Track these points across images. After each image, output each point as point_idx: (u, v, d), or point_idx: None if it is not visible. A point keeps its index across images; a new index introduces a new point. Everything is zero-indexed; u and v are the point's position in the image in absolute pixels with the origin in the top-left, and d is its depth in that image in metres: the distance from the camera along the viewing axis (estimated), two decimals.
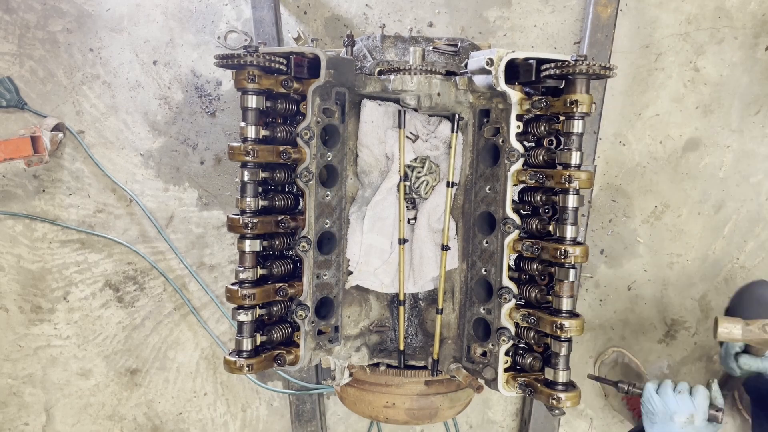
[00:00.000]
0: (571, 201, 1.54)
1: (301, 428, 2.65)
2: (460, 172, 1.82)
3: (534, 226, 1.64)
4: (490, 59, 1.57)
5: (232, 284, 1.61)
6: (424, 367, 1.89)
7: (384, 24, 2.24)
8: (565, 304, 1.56)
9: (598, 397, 2.77)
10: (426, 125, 1.87)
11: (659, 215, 2.70)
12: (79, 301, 2.72)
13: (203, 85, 2.65)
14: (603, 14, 2.48)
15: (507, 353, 1.67)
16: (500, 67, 1.57)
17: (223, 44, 2.57)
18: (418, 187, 1.85)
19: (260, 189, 1.65)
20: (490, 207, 1.72)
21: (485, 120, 1.74)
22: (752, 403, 2.27)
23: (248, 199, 1.60)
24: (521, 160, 1.63)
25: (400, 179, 1.80)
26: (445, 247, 1.80)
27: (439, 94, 1.71)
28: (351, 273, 1.85)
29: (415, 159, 1.86)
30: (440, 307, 1.83)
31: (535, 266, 1.65)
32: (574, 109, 1.51)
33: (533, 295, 1.64)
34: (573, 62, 1.48)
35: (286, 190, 1.74)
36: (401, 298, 1.86)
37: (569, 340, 1.56)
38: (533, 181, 1.60)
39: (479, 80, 1.67)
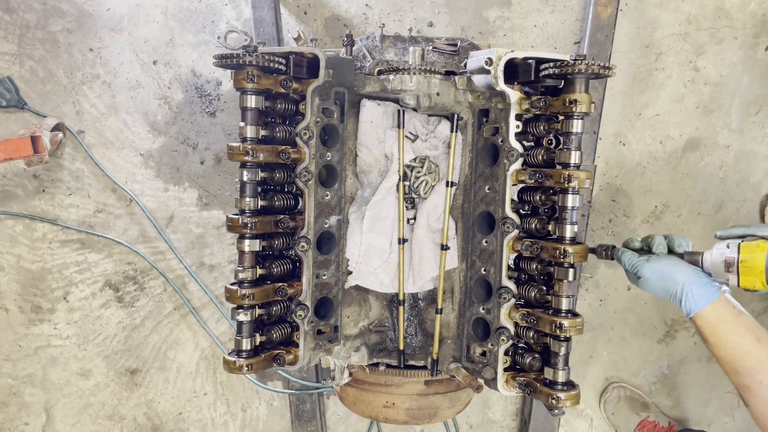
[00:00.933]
0: (571, 200, 1.54)
1: (301, 428, 2.65)
2: (460, 172, 1.82)
3: (533, 226, 1.64)
4: (489, 59, 1.57)
5: (232, 284, 1.61)
6: (424, 367, 1.89)
7: (383, 24, 2.24)
8: (565, 304, 1.56)
9: (599, 397, 2.77)
10: (425, 125, 1.87)
11: (659, 215, 2.70)
12: (79, 301, 2.73)
13: (203, 85, 2.65)
14: (603, 14, 2.48)
15: (506, 353, 1.67)
16: (499, 67, 1.57)
17: (223, 44, 2.57)
18: (417, 187, 1.85)
19: (259, 189, 1.65)
20: (489, 207, 1.72)
21: (484, 120, 1.74)
22: None
23: (247, 199, 1.60)
24: (520, 160, 1.63)
25: (400, 179, 1.80)
26: (444, 247, 1.80)
27: (438, 94, 1.71)
28: (350, 273, 1.85)
29: (415, 159, 1.86)
30: (440, 306, 1.83)
31: (534, 266, 1.65)
32: (574, 109, 1.51)
33: (533, 294, 1.64)
34: (572, 62, 1.48)
35: (286, 189, 1.74)
36: (401, 297, 1.86)
37: (569, 340, 1.56)
38: (532, 181, 1.60)
39: (478, 80, 1.67)
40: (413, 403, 1.87)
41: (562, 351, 1.56)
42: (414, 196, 1.88)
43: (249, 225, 1.58)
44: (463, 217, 1.83)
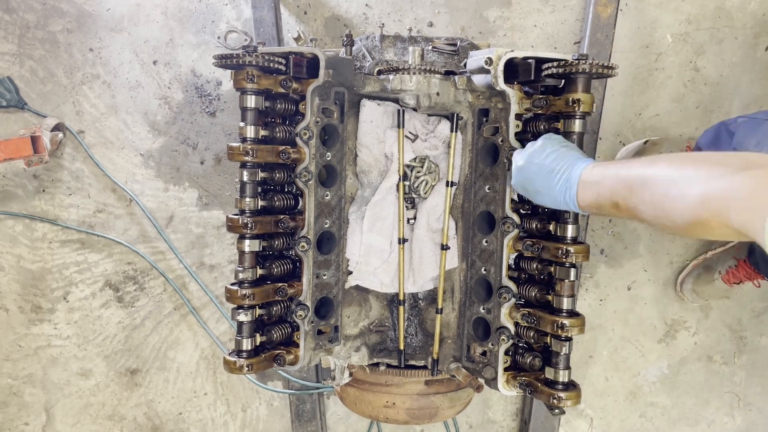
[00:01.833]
0: None
1: (301, 428, 2.65)
2: (460, 172, 1.82)
3: (533, 226, 1.64)
4: (489, 58, 1.57)
5: (232, 284, 1.62)
6: (424, 367, 1.89)
7: (383, 24, 2.23)
8: (566, 303, 1.56)
9: (599, 397, 2.77)
10: (425, 125, 1.87)
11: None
12: (79, 301, 2.72)
13: (203, 85, 2.65)
14: (603, 14, 2.48)
15: (507, 352, 1.67)
16: (499, 67, 1.57)
17: (223, 44, 2.57)
18: (417, 187, 1.85)
19: (259, 189, 1.65)
20: (489, 206, 1.72)
21: (484, 119, 1.74)
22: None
23: (247, 199, 1.60)
24: None
25: (400, 179, 1.80)
26: (444, 247, 1.80)
27: (438, 94, 1.71)
28: (351, 273, 1.85)
29: (415, 158, 1.86)
30: (440, 306, 1.83)
31: (534, 265, 1.65)
32: (576, 109, 1.51)
33: (533, 294, 1.64)
34: (575, 61, 1.48)
35: (286, 190, 1.74)
36: (401, 297, 1.86)
37: (570, 340, 1.56)
38: None
39: (478, 80, 1.67)
40: (413, 403, 1.87)
41: (564, 351, 1.56)
42: (414, 195, 1.88)
43: (249, 225, 1.58)
44: (463, 217, 1.83)
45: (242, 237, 1.61)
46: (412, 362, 1.90)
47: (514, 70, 1.61)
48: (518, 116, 1.63)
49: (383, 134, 1.83)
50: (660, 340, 2.75)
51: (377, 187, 1.83)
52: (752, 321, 2.75)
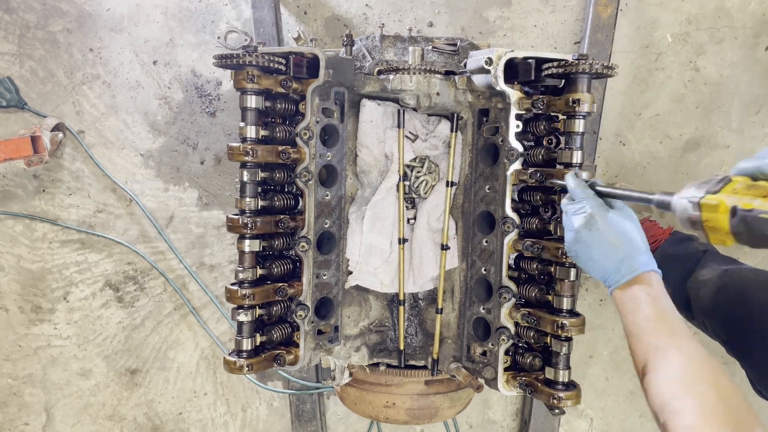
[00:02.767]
0: None
1: (301, 428, 2.65)
2: (460, 172, 1.83)
3: (534, 226, 1.64)
4: (489, 58, 1.57)
5: (232, 284, 1.62)
6: (424, 367, 1.89)
7: (383, 24, 2.23)
8: (566, 303, 1.56)
9: (599, 397, 2.76)
10: (425, 125, 1.87)
11: (659, 215, 2.69)
12: (79, 301, 2.72)
13: (203, 85, 2.65)
14: (603, 14, 2.48)
15: (507, 352, 1.67)
16: (499, 67, 1.57)
17: (223, 44, 2.57)
18: (417, 187, 1.85)
19: (260, 189, 1.65)
20: (489, 206, 1.72)
21: (484, 119, 1.74)
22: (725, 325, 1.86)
23: (248, 199, 1.60)
24: (520, 160, 1.63)
25: (400, 179, 1.81)
26: (444, 247, 1.80)
27: (438, 94, 1.71)
28: (351, 273, 1.85)
29: (415, 159, 1.86)
30: (440, 306, 1.83)
31: (534, 265, 1.65)
32: (576, 108, 1.51)
33: (533, 294, 1.64)
34: (575, 61, 1.48)
35: (286, 190, 1.74)
36: (401, 297, 1.86)
37: (570, 340, 1.56)
38: (533, 181, 1.60)
39: (478, 80, 1.67)
40: (414, 403, 1.87)
41: (564, 351, 1.56)
42: (414, 196, 1.88)
43: (249, 225, 1.58)
44: (463, 217, 1.83)
45: (242, 237, 1.61)
46: (412, 362, 1.90)
47: (514, 70, 1.61)
48: (518, 116, 1.63)
49: (383, 134, 1.83)
50: None
51: (377, 187, 1.83)
52: None
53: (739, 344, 1.76)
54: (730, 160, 2.68)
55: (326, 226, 1.75)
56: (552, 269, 1.59)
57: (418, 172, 1.85)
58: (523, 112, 1.63)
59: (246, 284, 1.61)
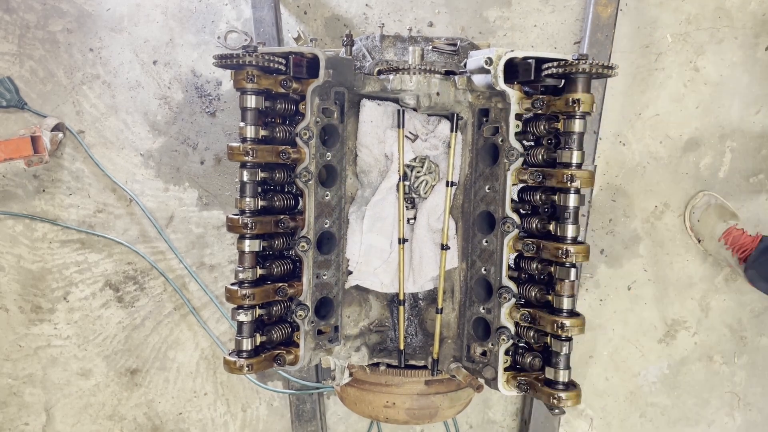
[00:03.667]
0: (572, 200, 1.54)
1: (301, 428, 2.65)
2: (460, 172, 1.82)
3: (534, 226, 1.64)
4: (489, 58, 1.57)
5: (232, 284, 1.61)
6: (424, 367, 1.89)
7: (383, 24, 2.24)
8: (566, 303, 1.56)
9: (599, 397, 2.77)
10: (425, 125, 1.87)
11: (659, 215, 2.70)
12: (79, 301, 2.72)
13: (203, 85, 2.65)
14: (603, 14, 2.48)
15: (507, 352, 1.67)
16: (499, 67, 1.57)
17: (223, 44, 2.57)
18: (417, 187, 1.85)
19: (260, 189, 1.65)
20: (489, 206, 1.72)
21: (484, 119, 1.74)
22: None
23: (247, 199, 1.60)
24: (520, 160, 1.63)
25: (400, 179, 1.80)
26: (444, 247, 1.80)
27: (438, 94, 1.71)
28: (351, 273, 1.85)
29: (415, 159, 1.86)
30: (440, 306, 1.83)
31: (534, 265, 1.65)
32: (576, 109, 1.51)
33: (533, 294, 1.64)
34: (575, 61, 1.48)
35: (286, 190, 1.74)
36: (401, 297, 1.86)
37: (570, 340, 1.56)
38: (533, 181, 1.60)
39: (478, 80, 1.67)
40: (414, 403, 1.87)
41: (564, 351, 1.56)
42: (414, 195, 1.88)
43: (249, 225, 1.58)
44: (463, 217, 1.83)
45: (242, 237, 1.61)
46: (412, 362, 1.89)
47: (514, 70, 1.61)
48: (518, 116, 1.63)
49: (383, 134, 1.83)
50: (660, 340, 2.75)
51: (377, 187, 1.83)
52: (752, 321, 2.75)
53: None
54: (730, 160, 2.68)
55: (326, 226, 1.75)
56: (552, 269, 1.59)
57: (418, 172, 1.85)
58: (523, 112, 1.63)
59: (246, 284, 1.61)
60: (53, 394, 2.77)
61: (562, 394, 1.53)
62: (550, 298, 1.60)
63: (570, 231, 1.56)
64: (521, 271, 1.71)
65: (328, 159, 1.73)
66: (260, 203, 1.62)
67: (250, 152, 1.55)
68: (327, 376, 1.95)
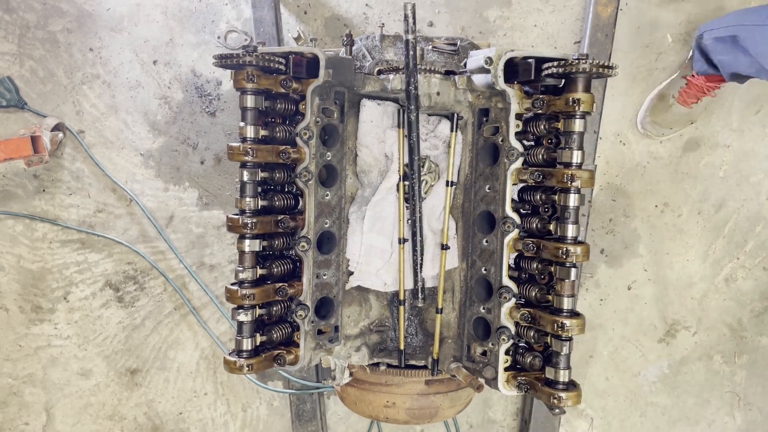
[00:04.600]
0: (573, 200, 1.54)
1: (301, 428, 2.65)
2: (460, 172, 1.82)
3: (534, 225, 1.64)
4: (489, 58, 1.57)
5: (232, 284, 1.61)
6: (425, 367, 1.88)
7: (383, 23, 2.23)
8: (566, 303, 1.56)
9: (599, 397, 2.77)
10: (425, 124, 1.87)
11: (659, 215, 2.70)
12: (80, 301, 2.72)
13: (203, 85, 2.65)
14: (603, 14, 2.48)
15: (507, 352, 1.67)
16: (499, 66, 1.57)
17: (223, 44, 2.57)
18: None
19: (260, 189, 1.65)
20: (489, 206, 1.72)
21: (485, 119, 1.74)
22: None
23: (248, 199, 1.60)
24: (521, 159, 1.63)
25: (400, 179, 1.80)
26: (444, 247, 1.80)
27: (438, 94, 1.71)
28: (351, 273, 1.85)
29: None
30: (440, 306, 1.83)
31: (535, 265, 1.65)
32: (576, 108, 1.50)
33: (533, 294, 1.64)
34: (575, 61, 1.48)
35: (286, 189, 1.74)
36: (401, 297, 1.86)
37: (570, 339, 1.56)
38: (533, 180, 1.60)
39: (478, 79, 1.67)
40: (414, 403, 1.87)
41: (564, 351, 1.56)
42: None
43: (249, 225, 1.58)
44: (463, 217, 1.83)
45: (242, 237, 1.61)
46: (413, 362, 1.89)
47: (514, 69, 1.61)
48: (518, 116, 1.63)
49: (383, 134, 1.83)
50: (660, 340, 2.75)
51: (377, 187, 1.83)
52: (752, 321, 2.75)
53: None
54: (731, 159, 2.68)
55: (326, 226, 1.75)
56: (552, 269, 1.59)
57: None
58: (523, 111, 1.63)
59: (246, 284, 1.61)
60: (53, 394, 2.77)
61: (563, 394, 1.53)
62: (550, 297, 1.60)
63: (570, 231, 1.56)
64: (521, 270, 1.71)
65: (328, 159, 1.73)
66: (260, 203, 1.62)
67: (250, 152, 1.55)
68: (327, 376, 1.95)
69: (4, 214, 2.68)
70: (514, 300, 1.66)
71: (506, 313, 1.66)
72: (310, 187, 1.67)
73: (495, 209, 1.70)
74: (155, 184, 2.69)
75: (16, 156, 2.46)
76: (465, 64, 1.75)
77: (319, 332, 1.76)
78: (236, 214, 1.61)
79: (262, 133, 1.60)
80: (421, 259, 1.83)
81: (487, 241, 1.73)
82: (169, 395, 2.77)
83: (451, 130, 1.79)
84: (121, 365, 2.76)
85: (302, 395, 2.62)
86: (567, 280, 1.55)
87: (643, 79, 2.63)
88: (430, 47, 1.87)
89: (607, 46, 2.48)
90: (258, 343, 1.64)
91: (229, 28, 2.60)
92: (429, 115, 1.87)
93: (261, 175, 1.61)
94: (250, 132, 1.58)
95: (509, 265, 1.69)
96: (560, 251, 1.53)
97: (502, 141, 1.66)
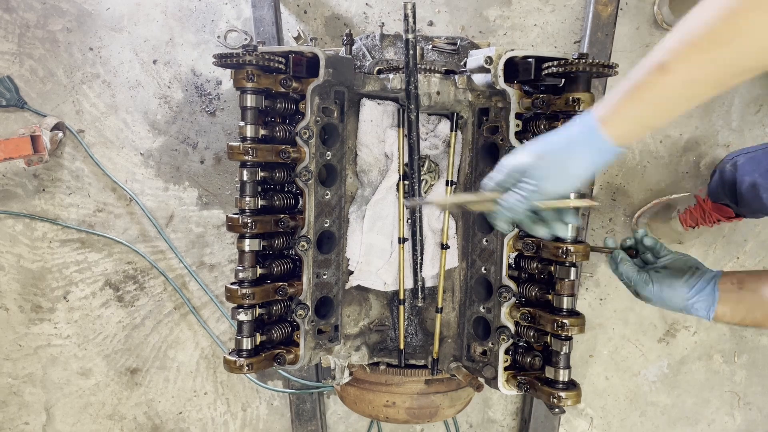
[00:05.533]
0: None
1: (301, 427, 2.65)
2: (460, 171, 1.83)
3: None
4: (489, 57, 1.57)
5: (232, 284, 1.61)
6: (425, 366, 1.89)
7: (383, 23, 2.23)
8: (566, 303, 1.56)
9: (599, 397, 2.77)
10: (425, 124, 1.87)
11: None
12: (79, 301, 2.72)
13: (203, 84, 2.65)
14: (603, 13, 2.48)
15: (507, 352, 1.67)
16: (499, 66, 1.57)
17: (223, 43, 2.57)
18: None
19: (260, 188, 1.65)
20: None
21: (484, 118, 1.74)
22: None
23: (247, 199, 1.60)
24: None
25: (400, 178, 1.80)
26: (444, 246, 1.80)
27: (438, 93, 1.71)
28: (351, 272, 1.85)
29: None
30: (440, 305, 1.83)
31: (534, 265, 1.65)
32: (576, 108, 1.51)
33: (533, 293, 1.64)
34: (575, 60, 1.48)
35: (286, 189, 1.74)
36: (401, 297, 1.86)
37: (570, 339, 1.56)
38: None
39: (478, 79, 1.67)
40: (414, 402, 1.87)
41: (564, 350, 1.56)
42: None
43: (249, 224, 1.58)
44: (463, 216, 1.83)
45: (242, 236, 1.61)
46: (413, 361, 1.89)
47: (514, 69, 1.61)
48: (518, 115, 1.63)
49: (383, 133, 1.83)
50: (660, 340, 2.75)
51: (377, 187, 1.83)
52: None
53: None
54: None
55: (326, 225, 1.75)
56: (552, 268, 1.59)
57: None
58: (523, 111, 1.63)
59: (246, 283, 1.61)
60: (53, 393, 2.77)
61: (562, 394, 1.53)
62: (550, 297, 1.60)
63: (570, 230, 1.56)
64: (521, 270, 1.71)
65: (328, 158, 1.73)
66: (260, 202, 1.62)
67: (250, 151, 1.55)
68: (327, 376, 1.95)
69: (4, 214, 2.68)
70: (513, 299, 1.66)
71: (506, 313, 1.66)
72: (310, 186, 1.67)
73: None
74: (155, 183, 2.69)
75: (15, 155, 2.46)
76: (465, 64, 1.75)
77: (319, 332, 1.76)
78: (236, 214, 1.61)
79: (262, 132, 1.60)
80: (421, 259, 1.83)
81: (486, 241, 1.73)
82: (169, 395, 2.77)
83: (451, 130, 1.79)
84: (121, 365, 2.76)
85: (302, 395, 2.62)
86: (567, 280, 1.55)
87: None
88: (430, 47, 1.87)
89: (607, 46, 2.48)
90: (258, 343, 1.64)
91: (229, 27, 2.59)
92: (429, 114, 1.87)
93: (261, 174, 1.61)
94: (249, 131, 1.59)
95: (509, 264, 1.69)
96: (560, 250, 1.53)
97: (501, 140, 1.66)
